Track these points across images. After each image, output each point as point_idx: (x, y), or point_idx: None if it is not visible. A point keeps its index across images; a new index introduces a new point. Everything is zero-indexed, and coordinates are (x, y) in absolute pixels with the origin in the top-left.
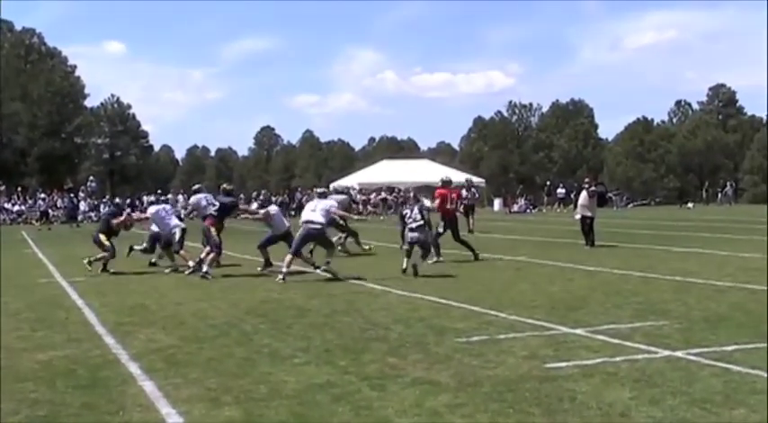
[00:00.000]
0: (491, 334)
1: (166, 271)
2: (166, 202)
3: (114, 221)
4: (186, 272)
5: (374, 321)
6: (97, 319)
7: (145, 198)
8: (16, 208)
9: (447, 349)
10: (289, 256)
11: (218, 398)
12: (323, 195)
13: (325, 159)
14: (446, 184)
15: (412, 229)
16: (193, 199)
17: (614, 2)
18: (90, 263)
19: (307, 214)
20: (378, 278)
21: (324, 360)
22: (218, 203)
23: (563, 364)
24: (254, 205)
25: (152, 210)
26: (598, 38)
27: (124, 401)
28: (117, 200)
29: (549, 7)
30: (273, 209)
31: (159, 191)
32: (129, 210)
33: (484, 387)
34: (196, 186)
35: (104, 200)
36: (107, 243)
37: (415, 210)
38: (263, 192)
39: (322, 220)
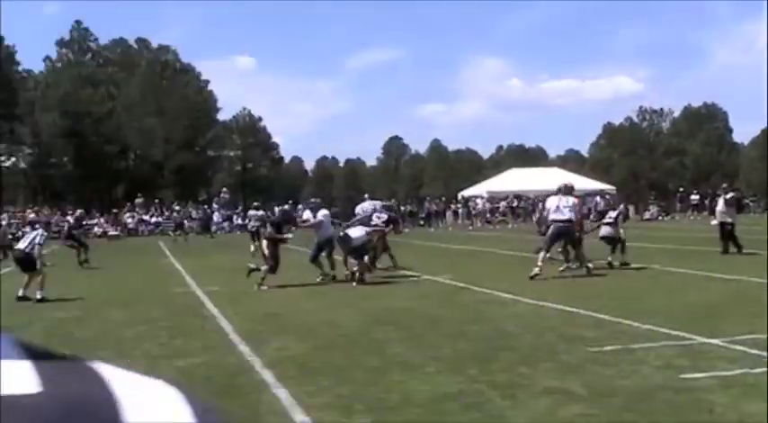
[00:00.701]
0: (624, 343)
1: (318, 279)
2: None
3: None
4: (318, 279)
5: (504, 330)
6: (231, 328)
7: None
8: (154, 219)
9: (578, 358)
10: (542, 254)
11: (350, 405)
12: (567, 190)
13: (453, 168)
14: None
15: (607, 224)
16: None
17: (745, 2)
18: (262, 280)
19: (555, 214)
20: (507, 287)
21: (454, 369)
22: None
23: (700, 375)
24: (306, 214)
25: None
26: (730, 40)
27: (259, 408)
28: (286, 207)
29: (678, 9)
30: (321, 214)
31: (291, 201)
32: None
33: (618, 397)
34: (317, 200)
35: (237, 211)
36: (276, 254)
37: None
38: (392, 200)
39: (569, 215)
